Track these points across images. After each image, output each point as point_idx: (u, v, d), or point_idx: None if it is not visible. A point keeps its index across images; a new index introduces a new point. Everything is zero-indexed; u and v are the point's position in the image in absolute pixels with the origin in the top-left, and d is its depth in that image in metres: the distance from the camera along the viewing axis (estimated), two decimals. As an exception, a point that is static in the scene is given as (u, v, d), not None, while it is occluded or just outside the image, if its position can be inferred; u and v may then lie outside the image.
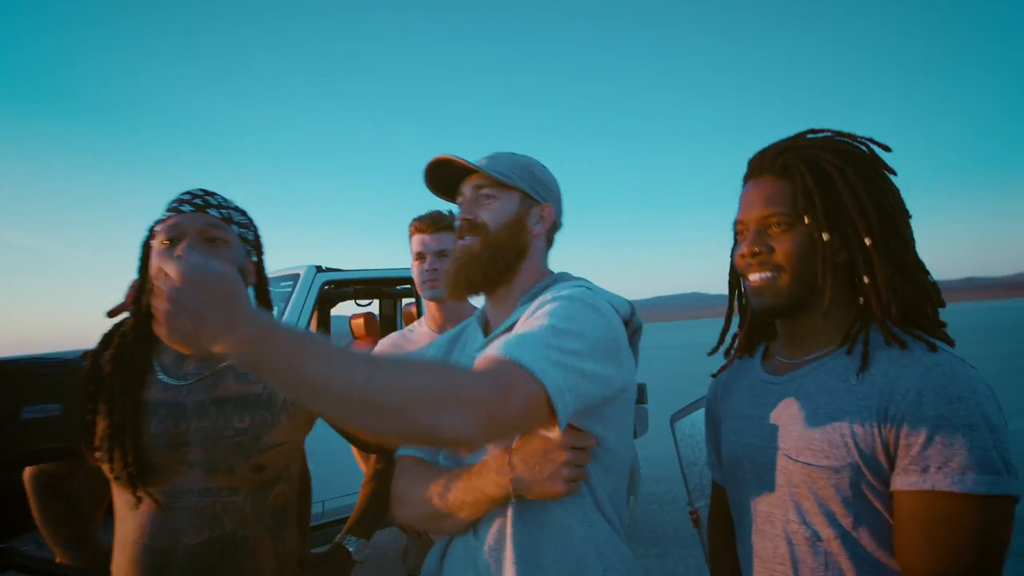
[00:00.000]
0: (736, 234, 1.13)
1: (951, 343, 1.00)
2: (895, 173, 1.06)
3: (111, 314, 2.42)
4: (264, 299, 1.50)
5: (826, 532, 0.97)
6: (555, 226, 1.28)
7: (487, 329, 1.25)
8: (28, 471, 1.44)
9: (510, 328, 1.15)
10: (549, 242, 1.28)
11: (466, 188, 1.22)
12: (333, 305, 5.65)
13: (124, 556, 1.24)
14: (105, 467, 1.24)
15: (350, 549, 1.43)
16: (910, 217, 1.06)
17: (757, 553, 1.07)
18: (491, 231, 1.18)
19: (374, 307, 5.66)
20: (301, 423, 1.34)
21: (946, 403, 0.88)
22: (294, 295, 3.78)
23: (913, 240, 1.04)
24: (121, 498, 1.27)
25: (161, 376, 1.29)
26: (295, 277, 3.92)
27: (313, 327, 5.67)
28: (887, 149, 1.06)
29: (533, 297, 1.18)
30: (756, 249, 1.05)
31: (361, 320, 5.33)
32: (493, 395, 0.87)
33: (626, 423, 1.15)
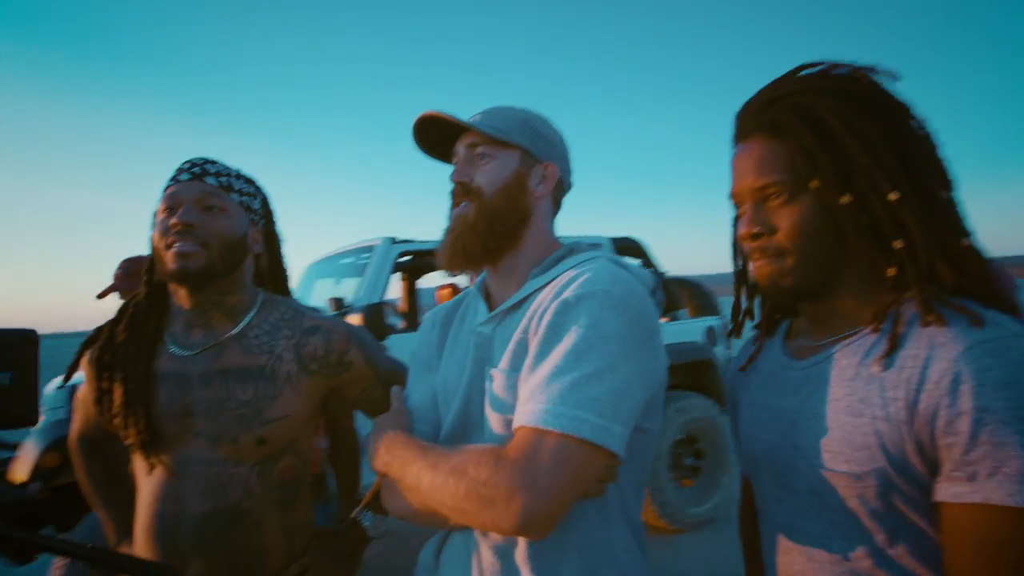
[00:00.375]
0: (735, 207, 0.96)
1: (1017, 312, 0.78)
2: (909, 106, 0.85)
3: (100, 296, 2.55)
4: (277, 267, 1.47)
5: (855, 551, 0.81)
6: (561, 187, 1.15)
7: (491, 302, 1.15)
8: (72, 436, 1.49)
9: (519, 304, 1.04)
10: (556, 205, 1.15)
11: (460, 147, 1.11)
12: (419, 276, 5.71)
13: (140, 521, 1.27)
14: (122, 434, 1.26)
15: (365, 524, 1.39)
16: (942, 156, 0.85)
17: (779, 566, 0.92)
18: (486, 195, 1.06)
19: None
20: (307, 397, 1.30)
21: (991, 390, 0.69)
22: (370, 267, 3.82)
23: (951, 183, 0.84)
24: (138, 464, 1.30)
25: (170, 347, 1.29)
26: (371, 249, 3.96)
27: (403, 301, 5.79)
28: (895, 77, 0.85)
29: (546, 269, 1.06)
30: (755, 230, 0.88)
31: (446, 291, 5.36)
32: (522, 480, 0.80)
33: (662, 403, 1.04)
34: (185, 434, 1.25)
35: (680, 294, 5.18)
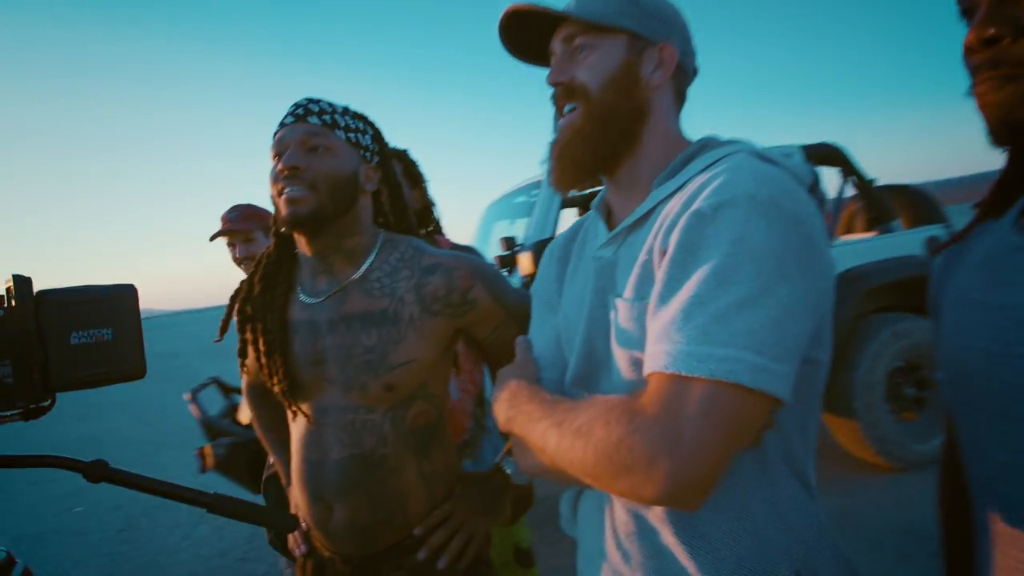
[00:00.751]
0: (963, 15, 0.68)
1: None
2: None
3: (211, 239, 2.61)
4: (398, 205, 1.40)
5: None
6: (683, 72, 0.94)
7: (611, 220, 0.99)
8: (244, 384, 1.58)
9: (643, 219, 0.88)
10: (679, 96, 0.95)
11: (555, 43, 0.94)
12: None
13: (292, 466, 1.31)
14: (268, 384, 1.30)
15: (509, 471, 1.32)
16: None
17: (993, 526, 0.69)
18: (593, 92, 0.90)
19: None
20: (433, 340, 1.24)
21: None
22: (538, 203, 3.74)
23: None
24: (287, 411, 1.33)
25: (301, 295, 1.29)
26: (539, 185, 3.88)
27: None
28: None
29: (672, 174, 0.88)
30: (991, 31, 0.60)
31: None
32: (664, 440, 0.65)
33: (831, 327, 0.83)
34: (320, 382, 1.25)
35: (892, 203, 4.50)
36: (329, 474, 1.22)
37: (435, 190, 2.20)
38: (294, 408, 1.27)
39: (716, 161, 0.83)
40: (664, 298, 0.74)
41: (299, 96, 1.25)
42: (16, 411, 0.82)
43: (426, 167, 2.19)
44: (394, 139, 1.91)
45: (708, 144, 0.90)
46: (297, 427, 1.30)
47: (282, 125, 1.23)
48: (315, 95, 1.25)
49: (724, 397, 0.65)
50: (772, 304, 0.68)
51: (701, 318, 0.68)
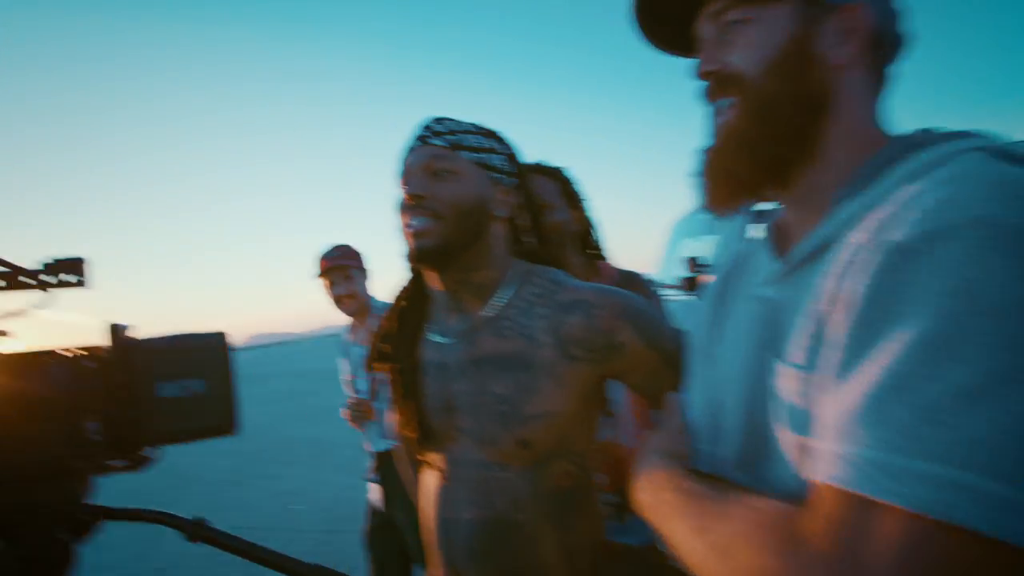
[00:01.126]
0: None
1: None
2: None
3: (315, 277, 2.71)
4: (540, 231, 1.24)
5: None
6: (881, 43, 0.69)
7: (782, 245, 0.75)
8: (390, 427, 1.53)
9: (823, 248, 0.64)
10: (877, 76, 0.70)
11: (704, 26, 0.74)
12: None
13: (425, 523, 1.21)
14: (403, 430, 1.21)
15: (663, 550, 1.11)
16: None
17: None
18: (751, 79, 0.68)
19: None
20: (572, 390, 1.07)
21: None
22: (725, 219, 3.43)
23: None
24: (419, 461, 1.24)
25: (433, 334, 1.19)
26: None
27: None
28: None
29: (864, 185, 0.63)
30: None
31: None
32: None
33: None
34: (452, 431, 1.15)
35: None
36: (460, 536, 1.11)
37: (604, 210, 2.03)
38: (426, 459, 1.17)
39: (931, 165, 0.58)
40: (845, 370, 0.51)
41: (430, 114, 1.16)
42: (120, 464, 0.79)
43: (592, 185, 2.02)
44: (555, 155, 1.76)
45: (920, 141, 0.63)
46: (430, 481, 1.19)
47: (408, 151, 1.14)
48: (445, 114, 1.15)
49: (936, 542, 0.43)
50: (1019, 396, 0.44)
51: (901, 411, 0.46)
